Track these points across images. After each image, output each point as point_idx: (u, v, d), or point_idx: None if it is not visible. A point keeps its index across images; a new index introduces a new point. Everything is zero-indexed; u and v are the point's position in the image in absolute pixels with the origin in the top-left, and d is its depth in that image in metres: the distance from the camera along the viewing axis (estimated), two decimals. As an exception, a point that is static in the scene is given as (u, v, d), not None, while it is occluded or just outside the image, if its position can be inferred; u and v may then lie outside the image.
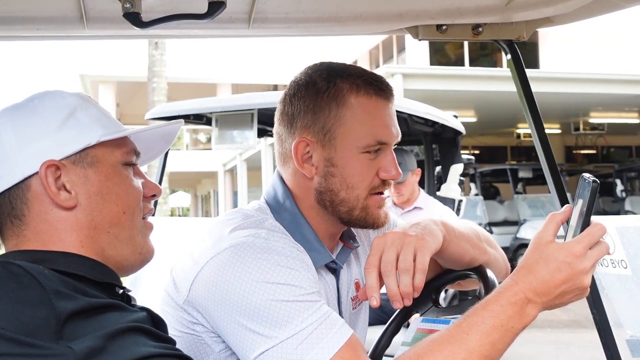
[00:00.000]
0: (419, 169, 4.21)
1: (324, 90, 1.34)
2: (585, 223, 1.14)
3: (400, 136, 1.40)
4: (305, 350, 1.11)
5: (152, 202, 1.23)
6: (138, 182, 1.17)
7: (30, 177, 1.06)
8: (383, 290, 1.28)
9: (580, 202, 1.16)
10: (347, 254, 1.47)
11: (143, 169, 1.24)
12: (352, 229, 1.48)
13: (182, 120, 1.28)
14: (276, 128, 1.42)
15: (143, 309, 1.09)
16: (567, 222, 1.18)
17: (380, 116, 1.35)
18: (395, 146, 1.42)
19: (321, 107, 1.33)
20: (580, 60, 18.16)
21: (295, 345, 1.12)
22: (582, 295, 1.17)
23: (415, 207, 4.11)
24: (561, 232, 1.20)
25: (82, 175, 1.09)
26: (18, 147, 1.06)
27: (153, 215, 1.27)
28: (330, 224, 1.40)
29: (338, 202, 1.35)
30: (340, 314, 1.44)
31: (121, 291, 1.11)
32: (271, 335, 1.13)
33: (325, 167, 1.34)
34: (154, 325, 1.06)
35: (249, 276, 1.16)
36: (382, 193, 1.38)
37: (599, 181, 1.14)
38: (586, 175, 1.15)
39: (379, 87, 1.36)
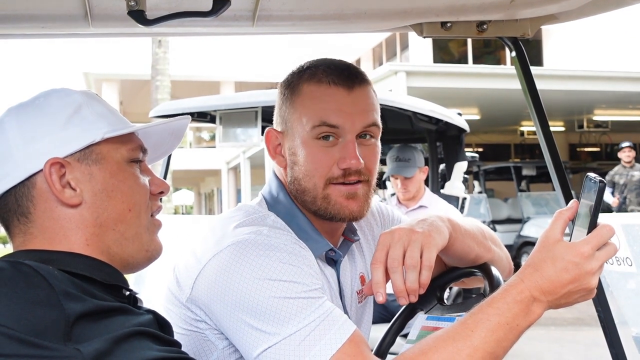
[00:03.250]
0: (427, 167, 4.21)
1: (289, 84, 1.39)
2: (592, 223, 1.14)
3: (366, 124, 1.35)
4: (308, 346, 1.11)
5: (160, 199, 1.23)
6: (145, 179, 1.16)
7: (35, 174, 1.07)
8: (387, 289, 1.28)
9: (585, 202, 1.15)
10: (347, 247, 1.48)
11: (146, 166, 1.23)
12: (353, 223, 1.48)
13: (189, 115, 1.28)
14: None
15: (149, 311, 1.10)
16: (573, 221, 1.18)
17: (330, 101, 1.34)
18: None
19: (283, 101, 1.39)
20: (584, 58, 18.11)
21: (298, 341, 1.12)
22: (589, 296, 1.17)
23: (420, 206, 4.11)
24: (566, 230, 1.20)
25: (86, 173, 1.09)
26: (23, 145, 1.07)
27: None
28: (314, 218, 1.40)
29: (302, 191, 1.36)
30: (344, 307, 1.44)
31: (128, 293, 1.11)
32: (274, 332, 1.13)
33: (290, 157, 1.38)
34: (159, 328, 1.06)
35: (251, 273, 1.16)
36: (346, 183, 1.35)
37: (605, 181, 1.13)
38: (591, 175, 1.15)
39: (336, 76, 1.35)
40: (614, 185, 9.72)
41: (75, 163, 1.09)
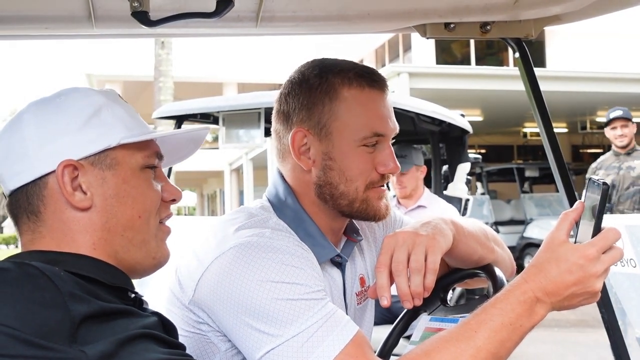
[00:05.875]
0: (425, 167, 4.20)
1: (317, 86, 1.35)
2: (597, 226, 1.14)
3: (397, 129, 1.40)
4: (311, 348, 1.11)
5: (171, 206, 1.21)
6: (157, 186, 1.15)
7: (48, 174, 1.06)
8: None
9: (589, 204, 1.15)
10: (351, 247, 1.48)
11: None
12: (355, 222, 1.48)
13: (209, 126, 1.27)
14: (274, 126, 1.43)
15: (154, 313, 1.09)
16: (576, 223, 1.18)
17: (375, 108, 1.35)
18: (393, 141, 1.42)
19: (315, 103, 1.34)
20: (587, 59, 18.09)
21: (301, 343, 1.12)
22: (593, 299, 1.16)
23: (419, 206, 4.09)
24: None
25: (99, 177, 1.08)
26: (39, 144, 1.06)
27: None
28: (332, 218, 1.40)
29: (338, 196, 1.35)
30: (346, 309, 1.44)
31: (133, 295, 1.11)
32: (277, 334, 1.13)
33: (323, 161, 1.35)
34: (164, 330, 1.06)
35: (254, 275, 1.16)
36: (381, 186, 1.38)
37: (608, 184, 1.13)
38: (594, 177, 1.15)
39: (371, 79, 1.36)
40: None
41: (89, 166, 1.08)
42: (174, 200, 1.19)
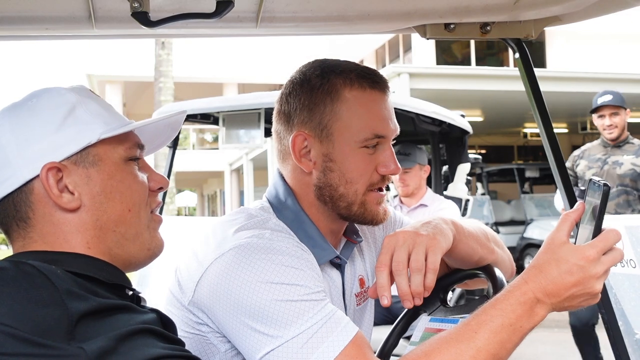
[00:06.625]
0: (428, 167, 4.20)
1: (318, 87, 1.35)
2: (597, 228, 1.14)
3: (398, 130, 1.40)
4: (311, 349, 1.11)
5: (160, 194, 1.21)
6: (143, 177, 1.15)
7: (32, 180, 1.05)
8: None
9: (590, 205, 1.15)
10: (350, 249, 1.48)
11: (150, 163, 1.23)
12: (355, 224, 1.48)
13: (185, 110, 1.27)
14: (274, 127, 1.43)
15: (153, 310, 1.09)
16: (577, 224, 1.18)
17: (377, 109, 1.35)
18: (394, 142, 1.42)
19: (316, 104, 1.34)
20: (588, 59, 18.09)
21: (300, 344, 1.12)
22: (593, 300, 1.16)
23: (420, 205, 4.09)
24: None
25: (84, 176, 1.08)
26: (18, 150, 1.05)
27: (161, 211, 1.26)
28: (332, 220, 1.40)
29: (337, 197, 1.35)
30: (345, 310, 1.44)
31: (131, 292, 1.11)
32: (276, 335, 1.13)
33: (324, 162, 1.35)
34: (163, 326, 1.06)
35: (253, 277, 1.16)
36: (380, 190, 1.38)
37: (609, 185, 1.13)
38: (595, 178, 1.15)
39: (373, 80, 1.36)
40: (576, 180, 4.66)
41: (72, 166, 1.07)
42: (161, 189, 1.19)
